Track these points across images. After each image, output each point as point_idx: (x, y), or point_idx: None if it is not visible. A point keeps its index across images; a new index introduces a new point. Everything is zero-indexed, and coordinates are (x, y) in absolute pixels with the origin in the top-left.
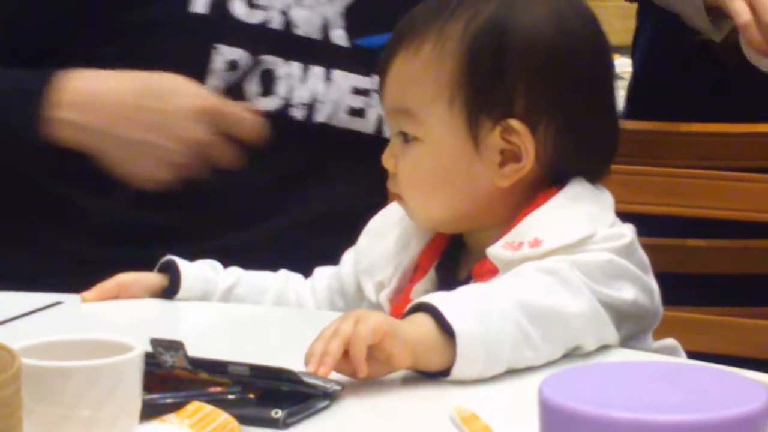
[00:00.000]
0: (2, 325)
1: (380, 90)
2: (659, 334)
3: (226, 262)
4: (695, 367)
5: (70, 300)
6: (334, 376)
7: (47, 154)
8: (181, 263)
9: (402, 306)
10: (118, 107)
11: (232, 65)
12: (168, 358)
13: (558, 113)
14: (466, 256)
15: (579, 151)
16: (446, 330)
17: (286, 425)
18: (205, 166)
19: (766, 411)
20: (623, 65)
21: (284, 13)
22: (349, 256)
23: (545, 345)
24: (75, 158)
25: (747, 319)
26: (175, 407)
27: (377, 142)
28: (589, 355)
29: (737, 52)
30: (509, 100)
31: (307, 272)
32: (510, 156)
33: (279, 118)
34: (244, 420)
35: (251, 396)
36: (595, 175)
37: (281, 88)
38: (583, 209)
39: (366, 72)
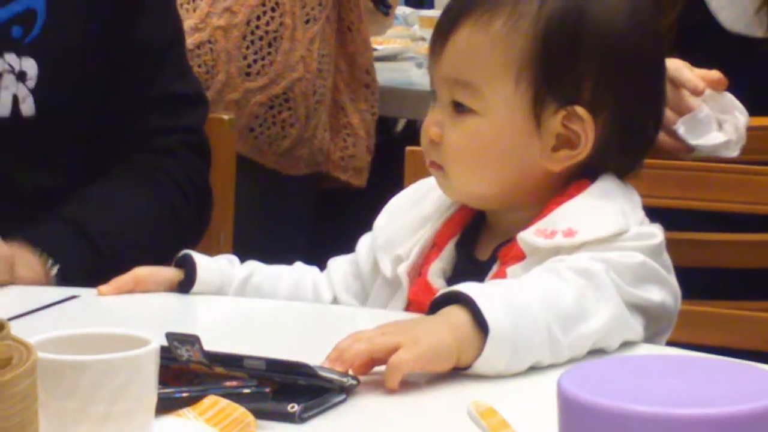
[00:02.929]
0: (18, 319)
1: (435, 55)
2: (678, 329)
3: None
4: (714, 361)
5: (86, 293)
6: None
7: None
8: (197, 257)
9: (420, 288)
10: None
11: None
12: (184, 352)
13: (617, 105)
14: (487, 235)
15: (624, 144)
16: (480, 324)
17: (303, 419)
18: None
19: None
20: None
21: None
22: (364, 241)
23: (570, 351)
24: None
25: (766, 313)
26: (191, 401)
27: (15, 121)
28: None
29: None
30: (578, 86)
31: None
32: (564, 141)
33: None
34: (260, 414)
35: (267, 390)
36: (628, 171)
37: None
38: (617, 204)
39: None
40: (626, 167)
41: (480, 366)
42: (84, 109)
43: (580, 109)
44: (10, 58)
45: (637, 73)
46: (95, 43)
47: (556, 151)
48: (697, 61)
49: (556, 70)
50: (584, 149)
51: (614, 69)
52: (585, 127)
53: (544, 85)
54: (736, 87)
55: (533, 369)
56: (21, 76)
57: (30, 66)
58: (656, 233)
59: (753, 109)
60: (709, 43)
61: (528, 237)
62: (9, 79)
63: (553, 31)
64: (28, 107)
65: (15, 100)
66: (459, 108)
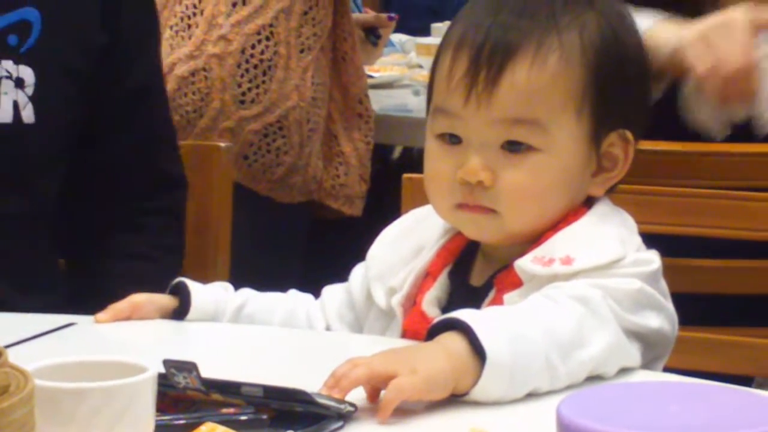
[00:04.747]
0: (16, 346)
1: (480, 98)
2: (674, 355)
3: None
4: (713, 387)
5: (82, 321)
6: (349, 396)
7: None
8: (192, 285)
9: (415, 317)
10: None
11: None
12: (181, 379)
13: (641, 123)
14: (482, 262)
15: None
16: (477, 351)
17: None
18: None
19: None
20: None
21: None
22: (357, 271)
23: (568, 378)
24: None
25: (762, 339)
26: (188, 428)
27: (17, 128)
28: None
29: None
30: (624, 109)
31: None
32: (601, 165)
33: None
34: None
35: (265, 417)
36: (615, 189)
37: None
38: (613, 230)
39: None
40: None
41: (477, 393)
42: (78, 120)
43: (628, 132)
44: (7, 64)
45: (649, 89)
46: (94, 63)
47: (596, 176)
48: None
49: (610, 96)
50: (622, 170)
51: (641, 88)
52: (628, 149)
53: (601, 113)
54: None
55: (531, 395)
56: (19, 83)
57: (27, 74)
58: (653, 259)
59: None
60: None
61: (525, 265)
62: (8, 85)
63: (602, 59)
64: (28, 114)
65: (16, 106)
66: (514, 147)
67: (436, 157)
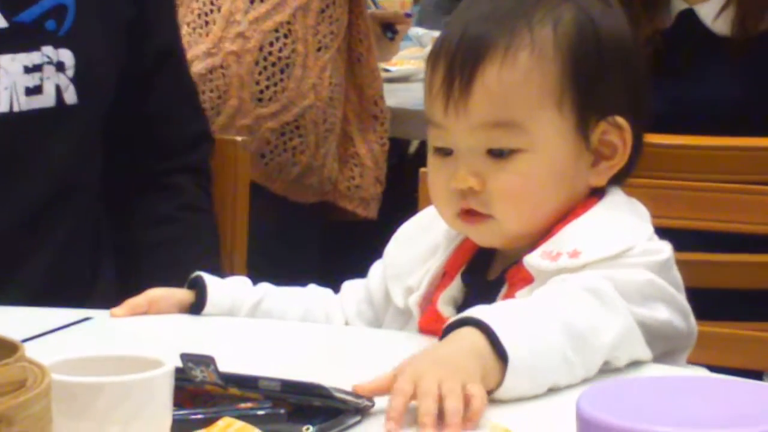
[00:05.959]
0: (32, 341)
1: (456, 106)
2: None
3: None
4: (731, 382)
5: (99, 315)
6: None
7: None
8: (209, 279)
9: (431, 315)
10: None
11: None
12: (198, 374)
13: (636, 108)
14: (498, 258)
15: (638, 147)
16: (498, 351)
17: None
18: None
19: None
20: None
21: None
22: (376, 268)
23: (585, 369)
24: None
25: None
26: (205, 423)
27: (59, 111)
28: (625, 370)
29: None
30: (611, 95)
31: None
32: (600, 154)
33: None
34: None
35: (282, 411)
36: (628, 175)
37: None
38: (623, 220)
39: (34, 47)
40: (630, 170)
41: (500, 394)
42: (118, 101)
43: (619, 119)
44: (48, 50)
45: (643, 74)
46: (123, 38)
47: (596, 165)
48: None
49: (591, 85)
50: (622, 157)
51: (629, 72)
52: (624, 135)
53: (584, 103)
54: (716, 84)
55: (550, 390)
56: (60, 67)
57: (67, 57)
58: (663, 249)
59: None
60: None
61: (534, 261)
62: (50, 70)
63: (578, 49)
64: (70, 96)
65: (58, 89)
66: (499, 152)
67: (433, 170)
